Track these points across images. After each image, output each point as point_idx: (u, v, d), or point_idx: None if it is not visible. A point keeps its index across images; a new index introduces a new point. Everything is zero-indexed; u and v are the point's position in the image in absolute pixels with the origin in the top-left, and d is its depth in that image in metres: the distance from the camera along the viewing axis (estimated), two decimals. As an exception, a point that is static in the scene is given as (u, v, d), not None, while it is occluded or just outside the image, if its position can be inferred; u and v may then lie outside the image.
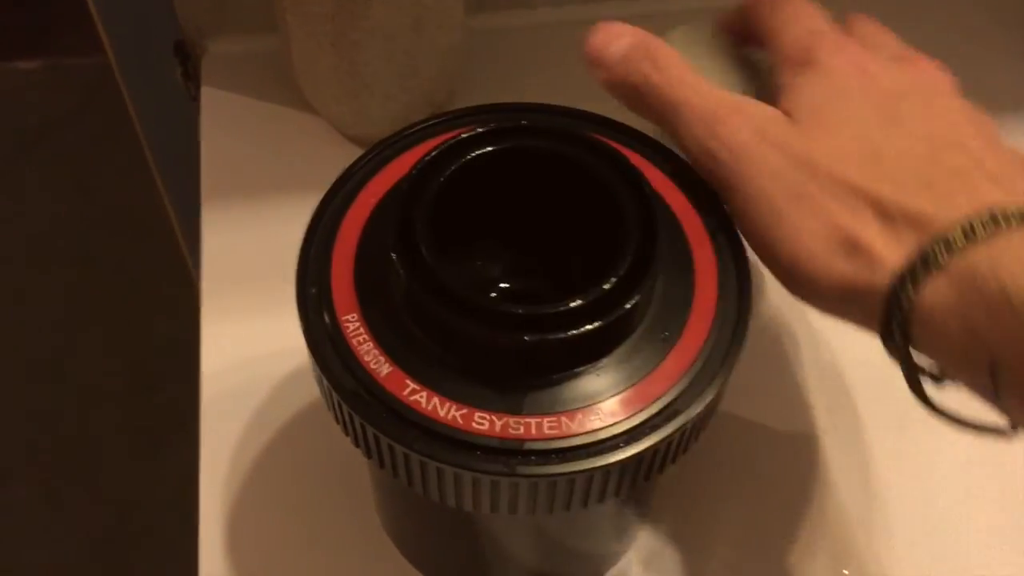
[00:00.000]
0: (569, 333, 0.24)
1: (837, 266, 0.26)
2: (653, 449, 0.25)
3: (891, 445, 0.40)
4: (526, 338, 0.24)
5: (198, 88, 0.48)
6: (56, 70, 1.46)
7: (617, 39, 0.31)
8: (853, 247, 0.26)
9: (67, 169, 1.36)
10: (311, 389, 0.27)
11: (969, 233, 0.24)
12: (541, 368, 0.25)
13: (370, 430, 0.25)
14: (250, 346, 0.40)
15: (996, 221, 0.24)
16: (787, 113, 0.29)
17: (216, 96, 0.48)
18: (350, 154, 0.29)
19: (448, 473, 0.24)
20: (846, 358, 0.42)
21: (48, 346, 1.21)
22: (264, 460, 0.38)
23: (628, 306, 0.25)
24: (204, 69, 0.49)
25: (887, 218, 0.26)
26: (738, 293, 0.27)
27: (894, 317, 0.25)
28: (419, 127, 0.30)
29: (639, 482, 0.26)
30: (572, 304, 0.24)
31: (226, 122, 0.47)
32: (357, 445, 0.26)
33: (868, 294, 0.26)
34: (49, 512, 1.09)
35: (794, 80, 0.30)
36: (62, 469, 1.12)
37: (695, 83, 0.29)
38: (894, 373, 0.27)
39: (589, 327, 0.24)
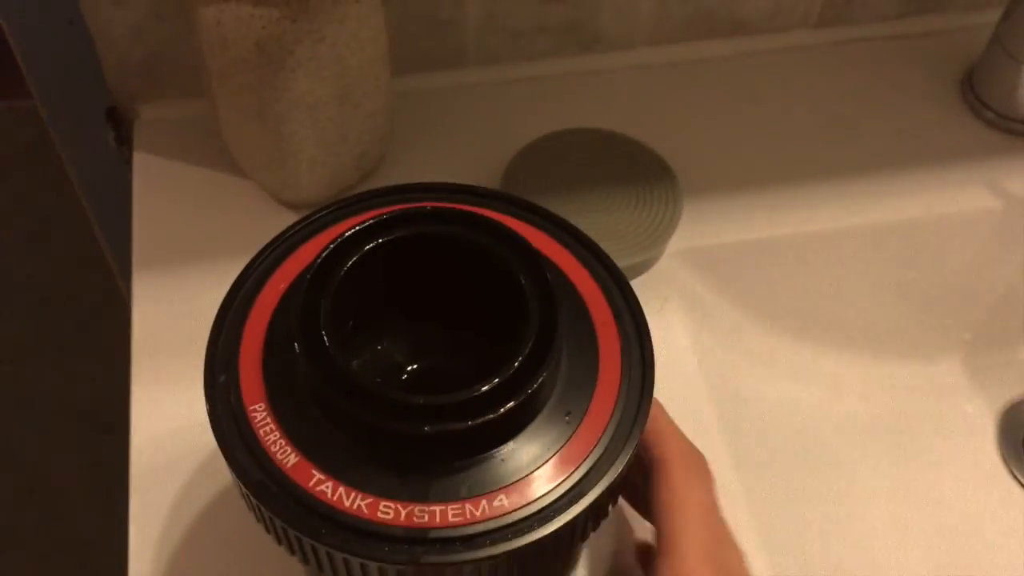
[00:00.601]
0: (470, 423, 0.24)
1: None
2: (558, 533, 0.25)
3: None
4: (427, 429, 0.24)
5: (131, 152, 0.49)
6: (10, 111, 1.45)
7: None
8: None
9: (21, 208, 1.36)
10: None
11: None
12: (445, 455, 0.25)
13: (277, 521, 0.25)
14: (180, 415, 0.40)
15: None
16: None
17: (148, 160, 0.48)
18: (283, 218, 0.30)
19: (355, 564, 0.24)
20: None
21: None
22: (194, 532, 0.38)
23: (530, 391, 0.25)
24: (136, 134, 0.49)
25: None
26: (641, 373, 0.27)
27: None
28: (325, 212, 0.31)
29: (547, 562, 0.26)
30: (474, 393, 0.24)
31: (158, 186, 0.47)
32: (268, 532, 0.26)
33: None
34: (7, 554, 1.08)
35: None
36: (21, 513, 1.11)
37: None
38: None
39: (491, 416, 0.24)
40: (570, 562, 0.33)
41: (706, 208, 0.46)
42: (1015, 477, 0.50)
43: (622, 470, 0.26)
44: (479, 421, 0.24)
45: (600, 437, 0.26)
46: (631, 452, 0.26)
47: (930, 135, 0.49)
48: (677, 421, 0.31)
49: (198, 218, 0.46)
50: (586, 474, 0.26)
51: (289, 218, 0.44)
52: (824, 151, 0.48)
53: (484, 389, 0.24)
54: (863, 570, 0.46)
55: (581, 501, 0.25)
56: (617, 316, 0.28)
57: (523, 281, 0.27)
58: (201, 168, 0.48)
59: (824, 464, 0.48)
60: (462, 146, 0.49)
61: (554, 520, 0.25)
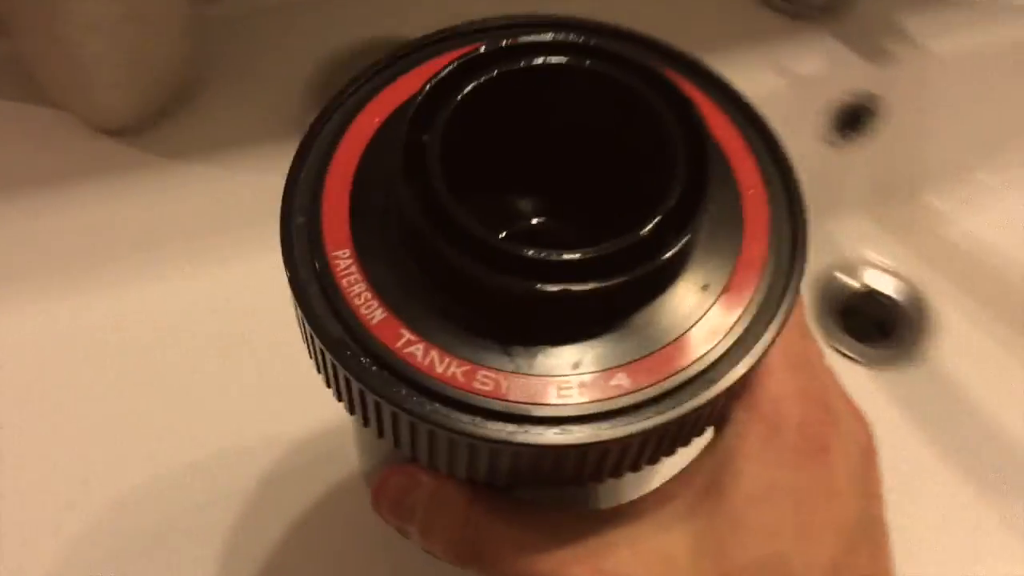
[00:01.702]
0: (593, 286, 0.20)
1: None
2: (680, 420, 0.21)
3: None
4: (541, 287, 0.20)
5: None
6: None
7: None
8: None
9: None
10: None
11: None
12: (558, 323, 0.21)
13: (355, 384, 0.21)
14: None
15: None
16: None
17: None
18: (102, 145, 0.28)
19: (441, 438, 0.21)
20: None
21: None
22: None
23: (667, 257, 0.21)
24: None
25: None
26: (791, 245, 0.24)
27: None
28: (435, 39, 0.26)
29: (660, 456, 0.23)
30: (602, 251, 0.20)
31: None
32: (340, 399, 0.23)
33: None
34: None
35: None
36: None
37: None
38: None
39: (619, 279, 0.20)
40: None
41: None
42: (825, 342, 0.53)
43: (762, 354, 0.22)
44: (606, 284, 0.20)
45: (739, 317, 0.22)
46: (775, 335, 0.22)
47: (720, 23, 0.52)
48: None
49: (14, 152, 0.47)
50: (720, 358, 0.22)
51: (108, 144, 0.46)
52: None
53: (617, 247, 0.21)
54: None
55: (711, 387, 0.21)
56: (767, 182, 0.24)
57: (672, 127, 0.22)
58: (13, 102, 0.48)
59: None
60: (284, 64, 0.50)
61: (678, 405, 0.21)
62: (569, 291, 0.20)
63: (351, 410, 0.23)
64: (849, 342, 0.53)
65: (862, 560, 0.25)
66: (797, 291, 0.23)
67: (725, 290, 0.22)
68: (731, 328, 0.22)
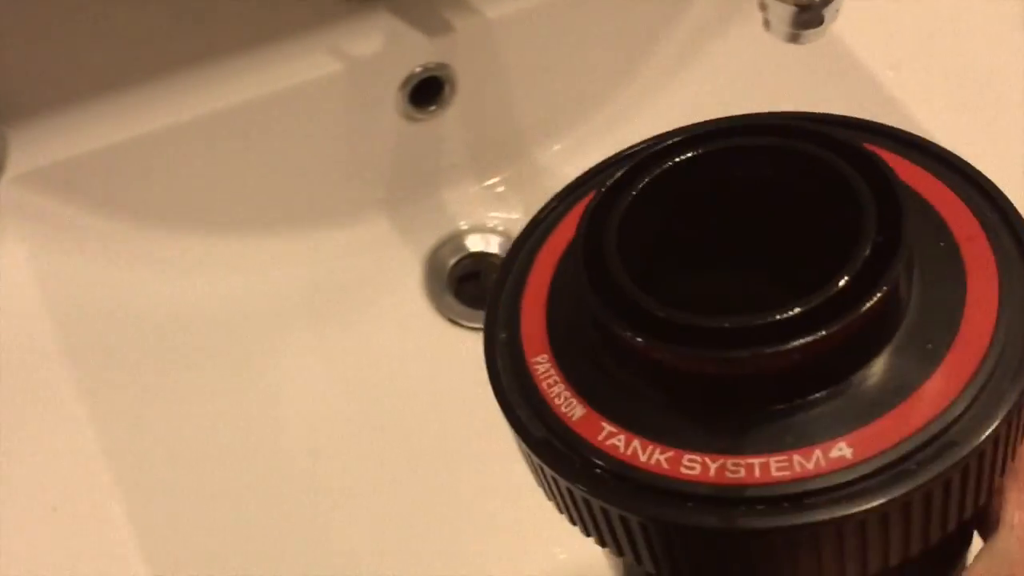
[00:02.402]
0: (790, 344, 0.19)
1: None
2: (924, 490, 0.19)
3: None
4: (734, 355, 0.19)
5: None
6: None
7: None
8: None
9: None
10: None
11: None
12: (763, 394, 0.20)
13: (561, 481, 0.21)
14: None
15: None
16: None
17: None
18: None
19: (653, 529, 0.20)
20: None
21: None
22: None
23: (868, 306, 0.19)
24: None
25: None
26: None
27: None
28: (612, 162, 0.26)
29: (918, 539, 0.20)
30: (792, 309, 0.19)
31: None
32: (549, 498, 0.23)
33: None
34: None
35: None
36: None
37: None
38: None
39: (816, 336, 0.19)
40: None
41: (47, 126, 0.45)
42: (440, 314, 0.54)
43: (1011, 412, 0.20)
44: (803, 342, 0.19)
45: (974, 373, 0.20)
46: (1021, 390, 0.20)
47: (281, 12, 0.50)
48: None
49: None
50: (957, 418, 0.19)
51: None
52: (170, 45, 0.48)
53: (810, 304, 0.19)
54: (305, 440, 0.48)
55: (950, 452, 0.19)
56: (988, 229, 0.22)
57: (858, 186, 0.21)
58: None
59: (252, 354, 0.50)
60: None
61: (914, 475, 0.19)
62: (761, 353, 0.19)
63: (559, 508, 0.22)
64: (464, 310, 0.54)
65: None
66: None
67: (953, 347, 0.20)
68: (964, 388, 0.20)
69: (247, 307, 0.51)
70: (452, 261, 0.56)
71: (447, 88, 0.52)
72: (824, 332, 0.19)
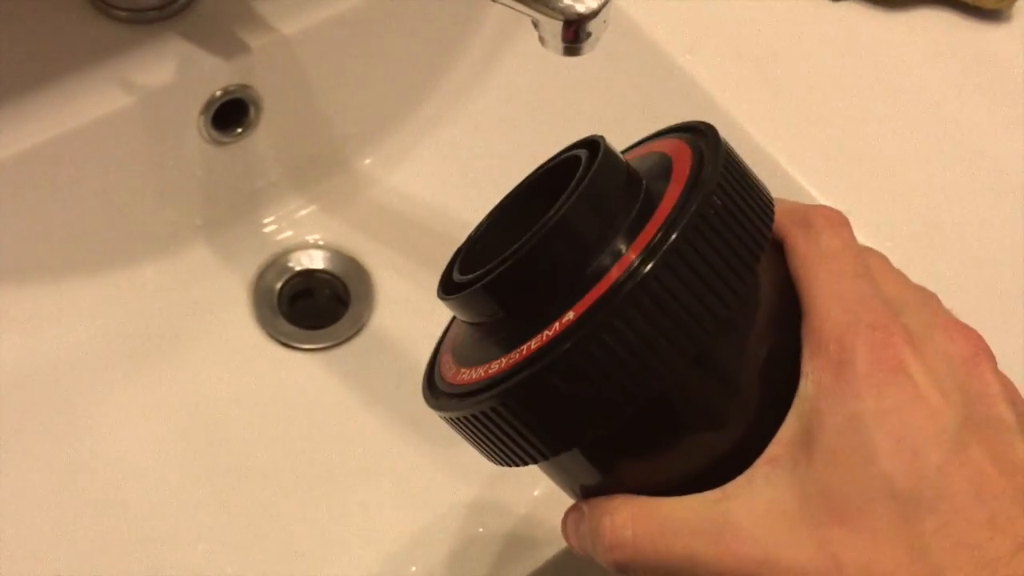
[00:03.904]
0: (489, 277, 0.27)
1: None
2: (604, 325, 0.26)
3: None
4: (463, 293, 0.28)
5: None
6: None
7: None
8: None
9: None
10: None
11: None
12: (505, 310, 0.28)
13: (437, 413, 0.30)
14: None
15: None
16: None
17: None
18: None
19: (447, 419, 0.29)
20: None
21: None
22: None
23: (551, 224, 0.27)
24: None
25: None
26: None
27: None
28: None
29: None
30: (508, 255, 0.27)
31: None
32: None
33: None
34: None
35: (817, 399, 0.26)
36: None
37: None
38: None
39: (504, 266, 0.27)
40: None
41: None
42: (273, 339, 0.53)
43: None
44: (498, 272, 0.27)
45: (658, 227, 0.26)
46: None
47: (64, 46, 0.48)
48: None
49: None
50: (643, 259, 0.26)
51: None
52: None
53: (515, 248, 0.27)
54: (143, 490, 0.47)
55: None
56: (694, 151, 0.28)
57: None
58: None
59: (75, 408, 0.48)
60: None
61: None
62: (476, 285, 0.28)
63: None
64: (297, 332, 0.54)
65: (976, 455, 0.25)
66: (716, 151, 0.27)
67: (651, 220, 0.27)
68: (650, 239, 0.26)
69: (65, 359, 0.49)
70: (280, 283, 0.55)
71: (252, 109, 0.51)
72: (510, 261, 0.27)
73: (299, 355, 0.53)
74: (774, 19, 0.56)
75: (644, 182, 0.28)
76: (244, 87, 0.50)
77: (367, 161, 0.57)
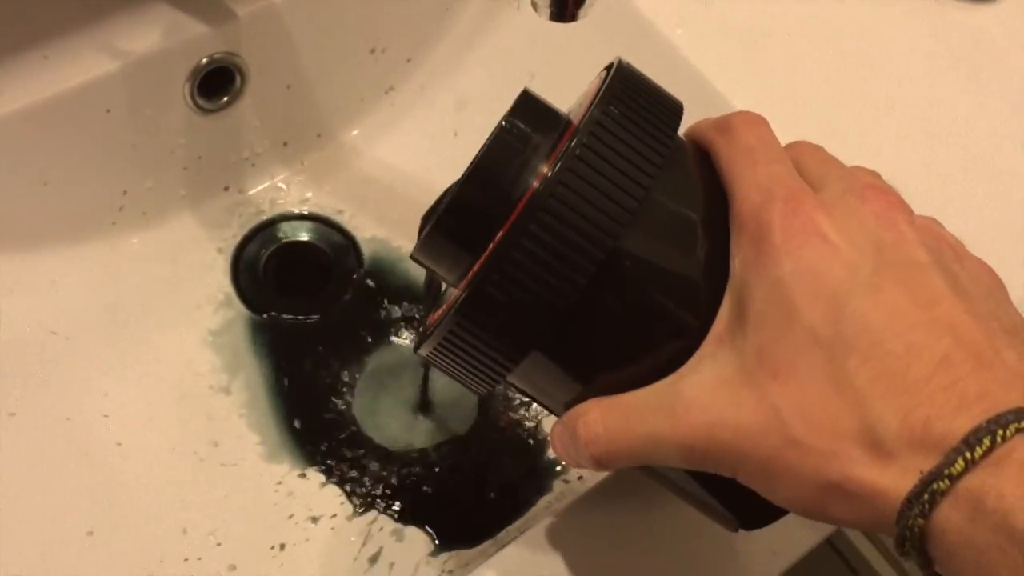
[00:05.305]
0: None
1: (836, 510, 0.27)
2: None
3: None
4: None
5: None
6: None
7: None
8: (847, 493, 0.26)
9: None
10: None
11: (969, 460, 0.24)
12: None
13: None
14: None
15: (995, 435, 0.24)
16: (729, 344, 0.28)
17: None
18: None
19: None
20: None
21: None
22: None
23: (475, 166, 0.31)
24: None
25: (882, 452, 0.25)
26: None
27: (906, 540, 0.25)
28: None
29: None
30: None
31: None
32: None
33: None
34: None
35: (744, 275, 0.28)
36: None
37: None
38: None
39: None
40: None
41: None
42: (255, 308, 0.53)
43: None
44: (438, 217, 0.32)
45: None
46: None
47: (44, 11, 0.46)
48: None
49: None
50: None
51: None
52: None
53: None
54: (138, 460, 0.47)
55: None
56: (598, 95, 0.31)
57: None
58: None
59: (50, 381, 0.47)
60: None
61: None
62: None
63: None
64: (279, 302, 0.53)
65: (891, 293, 0.26)
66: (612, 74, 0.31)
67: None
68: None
69: (47, 328, 0.48)
70: (265, 253, 0.54)
71: (238, 77, 0.50)
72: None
73: (283, 325, 0.52)
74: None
75: (566, 115, 0.32)
76: (230, 55, 0.49)
77: (354, 132, 0.56)
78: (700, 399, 0.28)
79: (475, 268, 0.30)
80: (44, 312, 0.49)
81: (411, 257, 0.34)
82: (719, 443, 0.27)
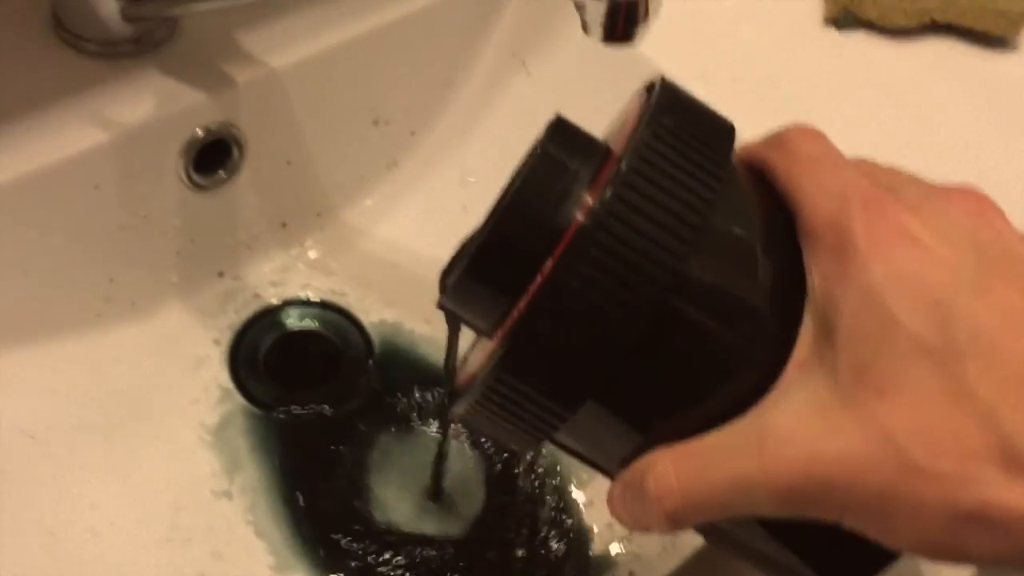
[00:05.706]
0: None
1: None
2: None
3: None
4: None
5: None
6: None
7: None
8: (987, 522, 0.23)
9: None
10: None
11: None
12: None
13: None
14: None
15: None
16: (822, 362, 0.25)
17: None
18: None
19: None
20: None
21: None
22: None
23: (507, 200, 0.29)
24: None
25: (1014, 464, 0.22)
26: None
27: None
28: None
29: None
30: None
31: None
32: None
33: None
34: None
35: (826, 289, 0.25)
36: None
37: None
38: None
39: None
40: None
41: None
42: (254, 401, 0.48)
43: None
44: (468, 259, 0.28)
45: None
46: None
47: (26, 82, 0.43)
48: None
49: None
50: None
51: None
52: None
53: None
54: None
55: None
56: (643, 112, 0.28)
57: None
58: None
59: (43, 483, 0.42)
60: None
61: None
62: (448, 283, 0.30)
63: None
64: (280, 395, 0.48)
65: (1001, 292, 0.24)
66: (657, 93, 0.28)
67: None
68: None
69: (31, 426, 0.43)
70: (264, 344, 0.50)
71: (235, 150, 0.47)
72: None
73: (287, 420, 0.47)
74: (778, 49, 0.55)
75: (606, 142, 0.29)
76: (227, 125, 0.46)
77: (362, 206, 0.53)
78: (792, 431, 0.24)
79: (517, 310, 0.27)
80: (21, 415, 0.43)
81: (438, 306, 0.31)
82: (821, 480, 0.24)
